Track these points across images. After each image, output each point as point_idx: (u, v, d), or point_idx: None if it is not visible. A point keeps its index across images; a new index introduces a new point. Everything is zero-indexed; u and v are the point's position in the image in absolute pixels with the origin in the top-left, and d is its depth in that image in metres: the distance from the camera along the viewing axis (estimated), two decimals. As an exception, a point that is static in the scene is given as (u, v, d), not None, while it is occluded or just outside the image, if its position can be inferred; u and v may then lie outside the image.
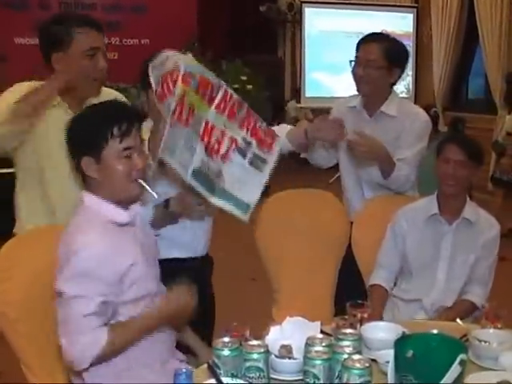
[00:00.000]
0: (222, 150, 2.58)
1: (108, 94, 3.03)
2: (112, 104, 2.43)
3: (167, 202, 2.83)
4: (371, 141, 3.23)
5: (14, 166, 3.01)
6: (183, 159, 2.47)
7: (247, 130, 2.66)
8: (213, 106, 2.55)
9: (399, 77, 3.53)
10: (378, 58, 3.41)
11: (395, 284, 3.32)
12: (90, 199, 2.30)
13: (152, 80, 2.49)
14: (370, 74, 3.44)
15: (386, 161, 3.30)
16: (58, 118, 2.77)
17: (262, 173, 2.70)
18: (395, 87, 3.60)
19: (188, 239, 3.07)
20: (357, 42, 3.57)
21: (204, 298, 3.08)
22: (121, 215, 2.32)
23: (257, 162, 2.68)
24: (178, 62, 2.49)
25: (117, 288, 2.24)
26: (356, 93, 3.60)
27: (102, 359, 2.20)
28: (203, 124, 2.51)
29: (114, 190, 2.29)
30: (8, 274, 2.57)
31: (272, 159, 2.73)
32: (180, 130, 2.43)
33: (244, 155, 2.65)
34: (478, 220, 3.15)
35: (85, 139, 2.27)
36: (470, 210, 3.15)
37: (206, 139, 2.52)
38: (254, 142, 2.67)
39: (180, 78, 2.42)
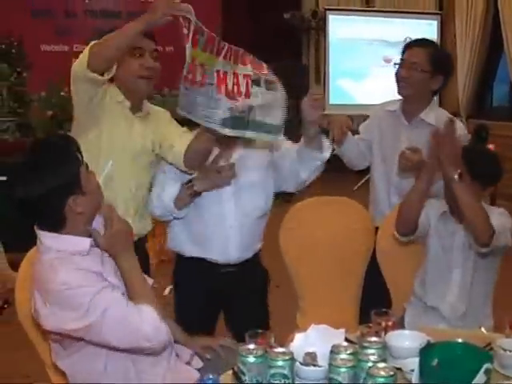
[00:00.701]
0: (243, 89, 2.74)
1: (156, 110, 3.31)
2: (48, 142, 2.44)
3: (190, 181, 3.01)
4: (420, 157, 3.25)
5: None
6: (208, 113, 2.67)
7: (250, 63, 2.79)
8: (220, 57, 2.71)
9: (442, 86, 3.58)
10: (423, 62, 3.48)
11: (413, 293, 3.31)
12: (48, 238, 2.28)
13: None
14: (412, 76, 3.50)
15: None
16: (120, 115, 3.06)
17: (277, 92, 2.82)
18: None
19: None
20: (403, 46, 3.65)
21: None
22: (82, 242, 2.31)
23: (270, 86, 2.80)
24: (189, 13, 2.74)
25: None
26: (393, 98, 3.64)
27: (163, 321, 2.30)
28: (215, 75, 2.67)
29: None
30: (29, 281, 2.62)
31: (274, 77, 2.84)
32: (196, 90, 2.64)
33: (259, 84, 2.77)
34: None
35: (62, 181, 2.23)
36: None
37: (223, 88, 2.68)
38: (258, 71, 2.79)
39: (191, 36, 2.65)
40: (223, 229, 3.14)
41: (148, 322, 2.24)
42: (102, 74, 2.87)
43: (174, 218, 3.16)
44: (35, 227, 2.30)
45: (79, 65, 2.92)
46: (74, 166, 2.27)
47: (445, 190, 3.06)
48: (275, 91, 2.82)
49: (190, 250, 3.21)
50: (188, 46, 2.63)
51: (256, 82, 2.77)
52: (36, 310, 2.26)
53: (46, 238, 2.28)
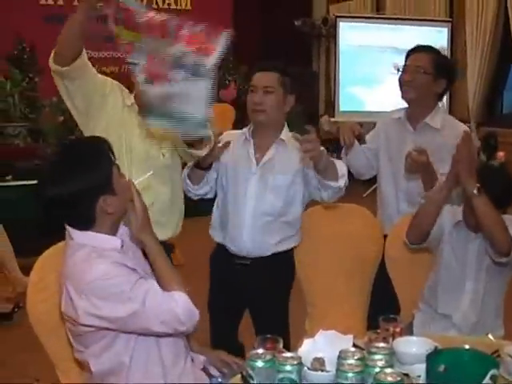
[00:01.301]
0: (161, 73, 2.57)
1: None
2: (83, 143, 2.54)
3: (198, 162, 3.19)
4: (427, 158, 3.28)
5: None
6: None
7: (182, 40, 2.59)
8: (144, 31, 2.61)
9: (445, 90, 3.62)
10: (426, 65, 3.53)
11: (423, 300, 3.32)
12: (81, 235, 2.33)
13: None
14: (416, 79, 3.55)
15: (430, 175, 3.33)
16: (130, 119, 3.17)
17: (205, 79, 2.62)
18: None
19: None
20: (406, 52, 3.69)
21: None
22: (113, 242, 2.38)
23: (198, 70, 2.60)
24: None
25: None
26: (400, 106, 3.67)
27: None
28: (145, 52, 2.57)
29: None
30: (44, 283, 2.66)
31: (212, 60, 2.64)
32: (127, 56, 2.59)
33: (182, 67, 2.58)
34: None
35: (94, 181, 2.28)
36: None
37: (147, 66, 2.56)
38: (189, 50, 2.58)
39: (112, 15, 2.68)
40: (239, 220, 3.30)
41: (181, 306, 2.31)
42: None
43: (196, 195, 3.37)
44: (66, 225, 2.34)
45: (50, 62, 3.23)
46: (107, 167, 2.33)
47: (464, 206, 3.10)
48: (203, 77, 2.62)
49: (216, 235, 3.43)
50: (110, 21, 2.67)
51: (179, 65, 2.59)
52: (69, 305, 2.28)
53: (78, 235, 2.33)
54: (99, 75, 3.35)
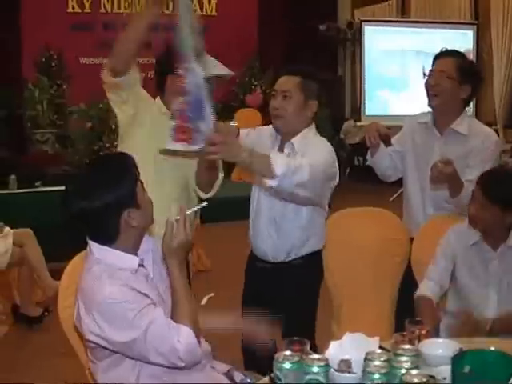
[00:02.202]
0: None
1: None
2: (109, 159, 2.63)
3: None
4: (453, 169, 3.27)
5: None
6: None
7: (180, 109, 2.89)
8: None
9: (471, 96, 3.60)
10: (450, 70, 3.51)
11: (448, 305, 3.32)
12: (100, 250, 2.36)
13: None
14: (440, 84, 3.54)
15: (456, 183, 3.33)
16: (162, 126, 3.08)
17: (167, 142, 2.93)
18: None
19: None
20: (433, 57, 3.68)
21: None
22: (132, 260, 2.40)
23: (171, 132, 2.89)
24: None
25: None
26: (426, 110, 3.67)
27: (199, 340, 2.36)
28: None
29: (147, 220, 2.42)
30: (74, 288, 2.69)
31: (171, 146, 2.92)
32: None
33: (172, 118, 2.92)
34: None
35: (125, 191, 2.34)
36: None
37: None
38: (176, 122, 2.89)
39: None
40: (255, 224, 3.38)
41: (184, 343, 2.30)
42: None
43: None
44: (87, 238, 2.38)
45: (103, 75, 3.25)
46: (132, 182, 2.37)
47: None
48: (169, 140, 2.92)
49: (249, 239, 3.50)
50: None
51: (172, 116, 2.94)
52: (78, 318, 2.33)
53: (97, 249, 2.36)
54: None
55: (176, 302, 2.41)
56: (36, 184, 6.76)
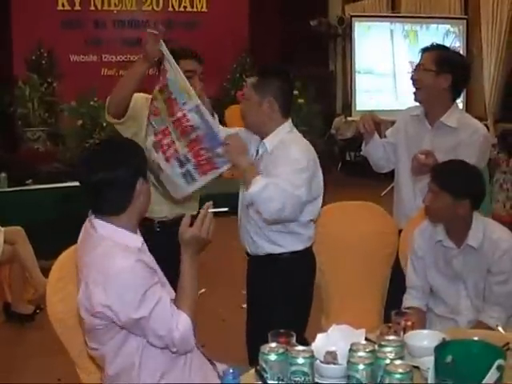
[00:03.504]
0: (168, 154, 3.21)
1: None
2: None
3: None
4: (434, 160, 3.31)
5: None
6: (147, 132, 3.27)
7: (191, 150, 3.18)
8: (171, 119, 3.17)
9: (455, 84, 3.61)
10: (427, 63, 3.58)
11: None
12: (104, 228, 2.42)
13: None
14: (419, 78, 3.62)
15: None
16: None
17: (187, 186, 3.28)
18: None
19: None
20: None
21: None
22: (135, 240, 2.47)
23: (187, 177, 3.24)
24: (168, 69, 3.17)
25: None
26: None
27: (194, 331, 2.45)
28: (164, 126, 3.21)
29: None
30: (63, 283, 2.72)
31: (202, 181, 3.26)
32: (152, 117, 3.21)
33: (181, 166, 3.21)
34: (481, 244, 3.08)
35: (140, 162, 2.51)
36: (475, 234, 3.09)
37: (160, 137, 3.22)
38: (192, 162, 3.20)
39: (160, 84, 3.18)
40: (240, 218, 3.42)
41: (181, 330, 2.38)
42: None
43: None
44: (93, 217, 2.45)
45: (106, 117, 3.58)
46: (143, 153, 2.61)
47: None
48: (187, 184, 3.27)
49: None
50: (156, 88, 3.20)
51: (179, 163, 3.22)
52: (86, 296, 2.35)
53: (102, 227, 2.42)
54: (139, 97, 3.57)
55: (181, 289, 2.49)
56: (27, 182, 6.76)
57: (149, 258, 2.50)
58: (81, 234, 2.51)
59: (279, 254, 3.30)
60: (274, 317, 3.13)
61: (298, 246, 3.32)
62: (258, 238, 3.30)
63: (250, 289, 3.54)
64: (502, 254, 3.06)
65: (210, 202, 2.59)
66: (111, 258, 2.33)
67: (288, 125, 3.30)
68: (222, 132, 3.25)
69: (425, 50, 3.65)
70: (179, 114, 3.14)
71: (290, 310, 3.28)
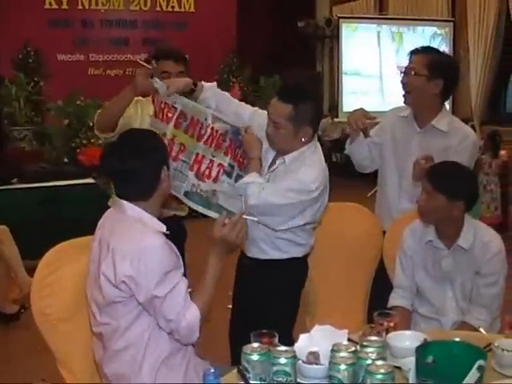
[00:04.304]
0: (213, 175, 3.30)
1: None
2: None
3: None
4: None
5: None
6: (174, 186, 3.15)
7: (230, 156, 3.33)
8: (201, 142, 3.28)
9: (446, 89, 3.60)
10: (419, 67, 3.53)
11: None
12: (134, 210, 2.58)
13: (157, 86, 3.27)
14: (409, 82, 3.58)
15: None
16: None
17: None
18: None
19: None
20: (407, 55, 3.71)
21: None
22: (160, 225, 2.60)
23: (239, 179, 3.27)
24: (176, 101, 3.26)
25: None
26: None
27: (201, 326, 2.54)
28: (194, 156, 3.28)
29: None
30: (49, 280, 2.74)
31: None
32: (170, 163, 3.04)
33: (230, 176, 3.32)
34: (472, 246, 3.10)
35: (162, 150, 2.71)
36: (466, 236, 3.12)
37: (195, 167, 3.28)
38: (236, 165, 3.34)
39: (174, 120, 3.25)
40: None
41: (188, 321, 2.49)
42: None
43: None
44: (122, 201, 2.60)
45: (96, 132, 3.78)
46: (164, 143, 2.85)
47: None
48: None
49: None
50: (170, 125, 3.25)
51: (228, 174, 3.33)
52: (109, 267, 2.48)
53: (132, 209, 2.58)
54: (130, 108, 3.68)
55: (201, 284, 2.61)
56: (12, 181, 6.74)
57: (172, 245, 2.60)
58: (102, 219, 2.69)
59: (280, 260, 3.32)
60: (264, 318, 3.12)
61: (299, 254, 3.36)
62: (264, 244, 3.29)
63: (239, 290, 3.53)
64: (491, 256, 3.09)
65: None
66: (142, 234, 2.49)
67: (313, 143, 3.26)
68: (259, 117, 3.36)
69: (414, 53, 3.62)
70: (208, 131, 3.29)
71: (280, 312, 3.31)
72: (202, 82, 3.44)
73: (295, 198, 3.11)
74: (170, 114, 3.26)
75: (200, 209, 3.28)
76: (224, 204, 3.30)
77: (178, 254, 2.60)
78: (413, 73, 3.54)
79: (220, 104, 3.43)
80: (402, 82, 3.62)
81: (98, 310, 2.59)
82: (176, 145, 3.25)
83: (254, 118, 3.41)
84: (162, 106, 3.26)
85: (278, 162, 3.25)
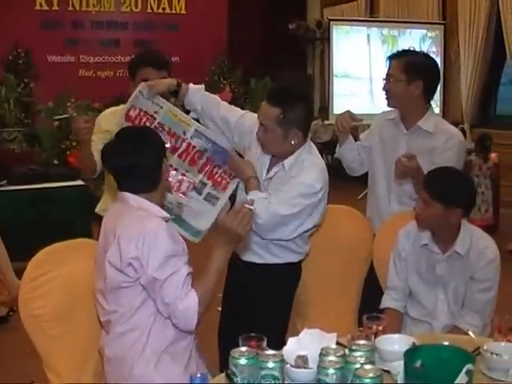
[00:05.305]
0: (182, 189, 3.36)
1: None
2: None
3: None
4: (416, 163, 3.31)
5: None
6: None
7: (204, 173, 3.36)
8: (176, 155, 3.32)
9: (427, 89, 3.61)
10: (397, 73, 3.57)
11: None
12: (139, 201, 2.66)
13: (132, 99, 3.32)
14: (390, 89, 3.63)
15: (421, 177, 3.30)
16: None
17: (214, 206, 3.38)
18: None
19: None
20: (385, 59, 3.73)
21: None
22: (162, 212, 2.71)
23: (211, 200, 3.38)
24: (157, 111, 3.30)
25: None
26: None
27: (200, 313, 2.55)
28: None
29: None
30: (39, 281, 2.77)
31: (225, 196, 3.40)
32: None
33: (200, 193, 3.37)
34: (468, 251, 3.10)
35: (161, 143, 2.80)
36: (462, 241, 3.11)
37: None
38: (209, 183, 3.37)
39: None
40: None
41: (185, 304, 2.51)
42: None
43: None
44: (125, 193, 2.67)
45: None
46: (161, 137, 2.91)
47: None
48: (212, 205, 3.38)
49: None
50: None
51: (197, 191, 3.38)
52: (116, 255, 2.55)
53: (136, 200, 2.65)
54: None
55: (204, 271, 2.62)
56: (1, 183, 6.71)
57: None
58: (107, 213, 2.78)
59: (274, 264, 3.32)
60: (256, 321, 3.11)
61: (295, 259, 3.38)
62: (259, 248, 3.30)
63: (231, 292, 3.51)
64: (487, 262, 3.09)
65: (251, 202, 2.71)
66: (147, 219, 2.58)
67: (308, 145, 3.27)
68: (248, 120, 3.38)
69: (392, 58, 3.65)
70: (184, 145, 3.33)
71: (273, 315, 3.32)
72: (190, 85, 3.43)
73: (303, 202, 3.14)
74: (147, 123, 3.31)
75: None
76: (189, 219, 3.37)
77: (183, 241, 2.67)
78: (394, 80, 3.56)
79: (206, 107, 3.42)
80: (383, 89, 3.64)
81: (104, 299, 2.65)
82: None
83: (243, 121, 3.41)
84: (141, 113, 3.30)
85: (274, 168, 3.25)
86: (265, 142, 3.20)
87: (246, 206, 2.61)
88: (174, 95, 3.39)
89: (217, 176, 3.36)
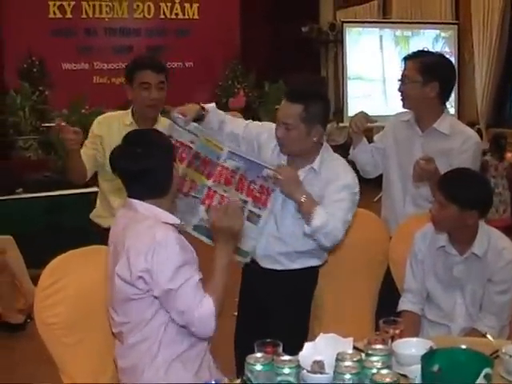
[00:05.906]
0: None
1: (163, 121, 3.76)
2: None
3: None
4: (434, 166, 3.29)
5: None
6: (184, 219, 3.10)
7: (242, 190, 3.27)
8: (211, 180, 3.29)
9: (443, 90, 3.59)
10: (412, 74, 3.54)
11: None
12: (147, 208, 2.61)
13: (168, 130, 3.25)
14: (405, 90, 3.60)
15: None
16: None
17: (256, 226, 3.27)
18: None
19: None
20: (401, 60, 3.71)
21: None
22: (172, 218, 2.64)
23: (253, 217, 3.26)
24: (193, 140, 3.27)
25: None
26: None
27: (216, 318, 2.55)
28: (206, 191, 3.28)
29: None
30: (53, 289, 2.77)
31: (266, 212, 3.28)
32: (180, 199, 3.21)
33: (242, 212, 3.08)
34: (485, 253, 3.07)
35: (170, 146, 2.78)
36: (480, 243, 3.07)
37: (207, 202, 3.27)
38: (249, 200, 3.26)
39: (187, 160, 3.27)
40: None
41: (201, 313, 2.50)
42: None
43: None
44: (133, 200, 2.63)
45: None
46: (169, 139, 2.94)
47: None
48: (255, 224, 3.27)
49: None
50: (182, 166, 3.21)
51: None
52: (125, 267, 2.51)
53: (144, 207, 2.61)
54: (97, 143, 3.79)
55: (214, 274, 2.61)
56: (17, 191, 6.73)
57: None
58: (115, 221, 2.71)
59: (294, 269, 3.33)
60: (276, 327, 3.07)
61: (314, 263, 3.39)
62: (283, 258, 3.31)
63: (248, 298, 3.50)
64: (505, 264, 3.06)
65: (238, 197, 2.79)
66: (155, 229, 2.51)
67: (325, 145, 3.32)
68: (254, 128, 3.42)
69: (407, 59, 3.62)
70: (218, 169, 3.29)
71: (293, 319, 3.32)
72: (206, 106, 3.43)
73: (351, 206, 3.21)
74: (184, 155, 3.27)
75: (204, 239, 3.26)
76: None
77: (192, 248, 2.62)
78: (409, 81, 3.54)
79: (222, 124, 3.44)
80: (398, 90, 3.62)
81: (114, 311, 2.63)
82: (188, 182, 3.28)
83: (249, 130, 3.44)
84: (178, 145, 3.25)
85: (301, 173, 3.24)
86: (287, 141, 3.20)
87: (229, 200, 2.76)
88: (202, 119, 3.36)
89: (255, 192, 3.27)
